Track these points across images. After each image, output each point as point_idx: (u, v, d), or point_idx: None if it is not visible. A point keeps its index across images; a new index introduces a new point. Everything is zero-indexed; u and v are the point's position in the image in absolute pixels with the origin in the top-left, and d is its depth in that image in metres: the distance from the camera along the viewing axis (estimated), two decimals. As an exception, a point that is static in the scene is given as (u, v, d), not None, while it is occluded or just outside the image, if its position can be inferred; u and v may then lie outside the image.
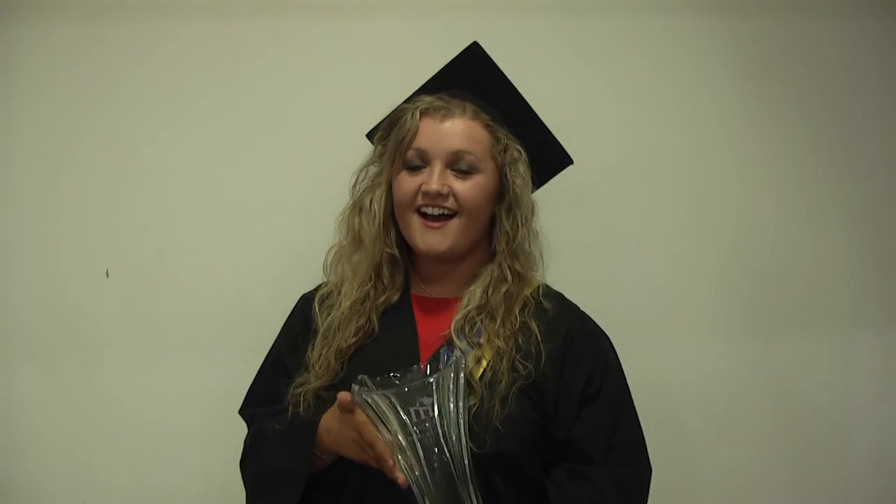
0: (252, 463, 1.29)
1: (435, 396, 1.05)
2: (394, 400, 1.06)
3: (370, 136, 1.39)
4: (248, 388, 1.38)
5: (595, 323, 1.32)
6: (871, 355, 1.70)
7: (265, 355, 1.38)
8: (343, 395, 1.12)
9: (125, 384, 1.60)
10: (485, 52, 1.33)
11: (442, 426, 1.04)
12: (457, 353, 1.18)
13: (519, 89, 1.33)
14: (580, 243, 1.61)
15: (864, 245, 1.70)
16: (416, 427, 1.05)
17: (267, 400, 1.32)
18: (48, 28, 1.58)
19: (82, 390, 1.59)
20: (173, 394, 1.60)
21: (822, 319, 1.69)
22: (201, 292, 1.61)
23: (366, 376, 1.11)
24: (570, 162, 1.38)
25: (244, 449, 1.32)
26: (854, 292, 1.69)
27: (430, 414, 1.04)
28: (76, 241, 1.60)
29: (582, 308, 1.33)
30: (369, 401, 1.06)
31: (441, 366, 1.15)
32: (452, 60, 1.34)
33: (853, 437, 1.69)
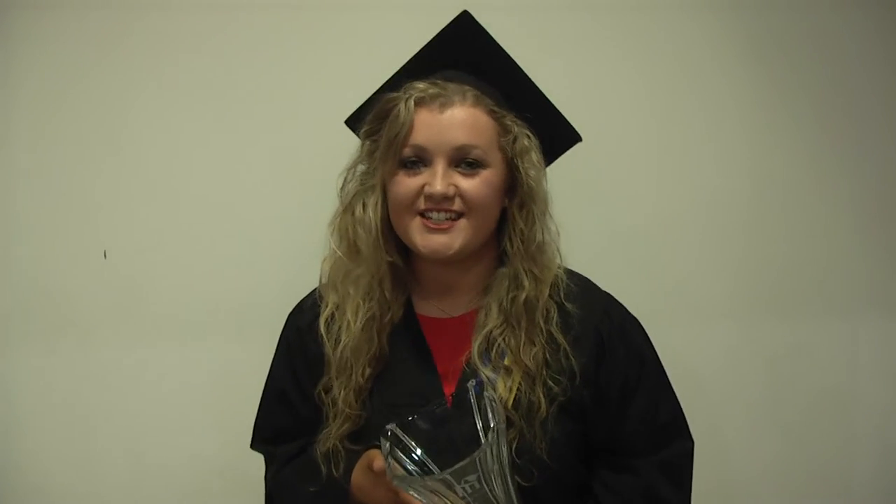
0: None
1: (480, 472, 0.94)
2: (440, 487, 0.95)
3: (351, 124, 1.22)
4: (254, 421, 1.30)
5: (621, 309, 1.21)
6: (875, 341, 1.69)
7: (265, 381, 1.28)
8: (378, 466, 1.03)
9: (123, 366, 1.58)
10: (476, 22, 1.16)
11: (490, 489, 0.95)
12: (487, 394, 1.03)
13: (519, 64, 1.17)
14: (592, 230, 1.57)
15: (873, 232, 1.68)
16: (464, 499, 0.96)
17: (276, 436, 1.25)
18: (48, 14, 1.53)
19: (80, 372, 1.57)
20: (171, 376, 1.58)
21: (829, 305, 1.67)
22: (199, 274, 1.57)
23: (395, 426, 1.00)
24: (579, 139, 1.24)
25: (268, 492, 1.26)
26: (863, 279, 1.68)
27: (477, 486, 0.94)
28: (74, 222, 1.56)
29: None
30: (407, 485, 0.97)
31: (471, 398, 1.03)
32: (440, 33, 1.17)
33: (857, 422, 1.69)
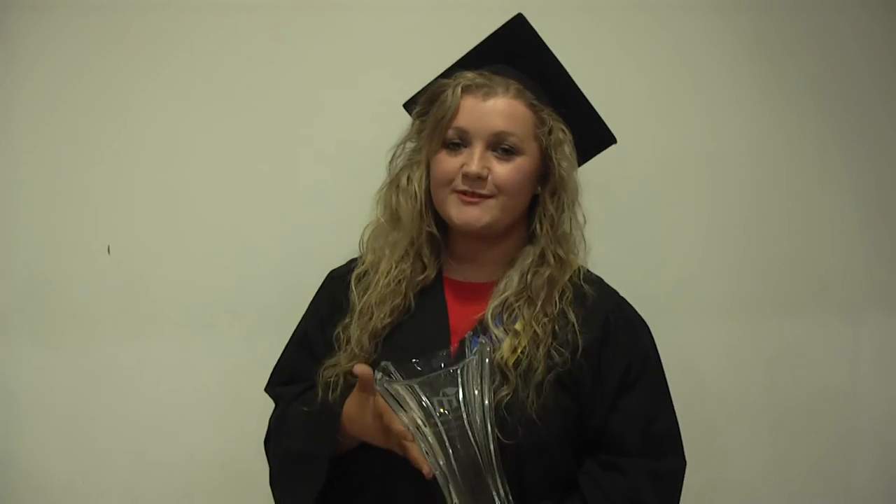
0: (276, 445, 1.28)
1: (460, 385, 1.00)
2: (417, 389, 1.02)
3: (408, 107, 1.35)
4: (258, 402, 1.35)
5: (634, 311, 1.28)
6: (875, 340, 1.70)
7: (292, 331, 1.36)
8: (361, 369, 1.09)
9: (126, 360, 1.59)
10: (530, 25, 1.27)
11: (467, 414, 1.00)
12: (482, 339, 1.12)
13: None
14: (594, 230, 1.55)
15: (875, 231, 1.69)
16: (440, 417, 1.01)
17: (292, 378, 1.31)
18: (49, 14, 1.55)
19: (82, 368, 1.58)
20: (174, 370, 1.59)
21: (830, 305, 1.68)
22: (202, 271, 1.60)
23: (389, 363, 1.06)
24: (614, 141, 1.33)
25: (269, 428, 1.31)
26: (864, 278, 1.68)
27: (455, 403, 1.00)
28: (77, 218, 1.58)
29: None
30: (390, 390, 1.03)
31: (466, 350, 1.10)
32: (495, 32, 1.28)
33: (858, 421, 1.69)
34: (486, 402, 1.02)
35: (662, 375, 1.26)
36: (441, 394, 1.01)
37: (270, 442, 1.30)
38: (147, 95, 1.58)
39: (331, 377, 1.22)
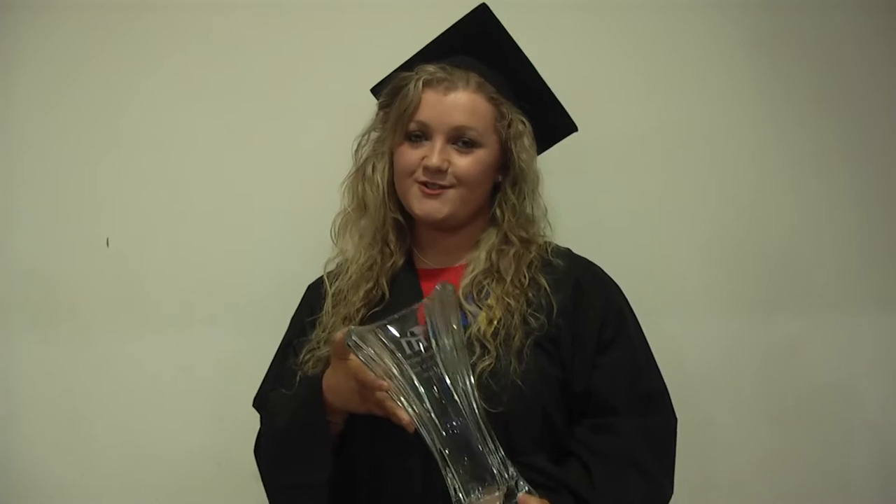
0: (266, 436, 1.27)
1: (429, 323, 0.98)
2: (381, 334, 0.99)
3: (376, 91, 1.37)
4: (260, 382, 1.36)
5: (604, 273, 1.30)
6: (873, 337, 1.68)
7: (271, 359, 1.36)
8: (337, 335, 1.09)
9: (124, 354, 1.59)
10: (493, 15, 1.29)
11: (442, 359, 0.98)
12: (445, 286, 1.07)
13: (526, 54, 1.29)
14: (588, 217, 1.60)
15: (873, 227, 1.68)
16: (411, 361, 0.98)
17: (276, 384, 1.30)
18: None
19: (81, 360, 1.59)
20: (172, 364, 1.59)
21: (828, 301, 1.66)
22: (200, 265, 1.60)
23: (358, 327, 1.04)
24: (575, 129, 1.36)
25: (258, 437, 1.30)
26: (863, 274, 1.67)
27: (424, 343, 0.98)
28: (75, 211, 1.59)
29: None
30: (358, 341, 0.99)
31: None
32: (457, 23, 1.30)
33: (856, 419, 1.67)
34: (455, 328, 1.00)
35: (641, 335, 1.27)
36: (408, 333, 0.99)
37: (260, 443, 1.29)
38: (148, 88, 1.59)
39: (308, 360, 1.24)
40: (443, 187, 1.24)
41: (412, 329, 1.01)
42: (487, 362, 1.14)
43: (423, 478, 1.12)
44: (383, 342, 1.01)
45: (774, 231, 1.66)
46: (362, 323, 1.22)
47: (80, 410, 1.59)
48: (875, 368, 1.68)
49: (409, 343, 1.00)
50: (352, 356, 1.06)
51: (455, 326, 1.02)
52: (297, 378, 1.23)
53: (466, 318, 1.18)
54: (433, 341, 1.00)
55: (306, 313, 1.33)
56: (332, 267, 1.34)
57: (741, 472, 1.65)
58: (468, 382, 1.01)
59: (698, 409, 1.55)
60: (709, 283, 1.66)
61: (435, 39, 1.31)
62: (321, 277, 1.34)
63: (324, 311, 1.29)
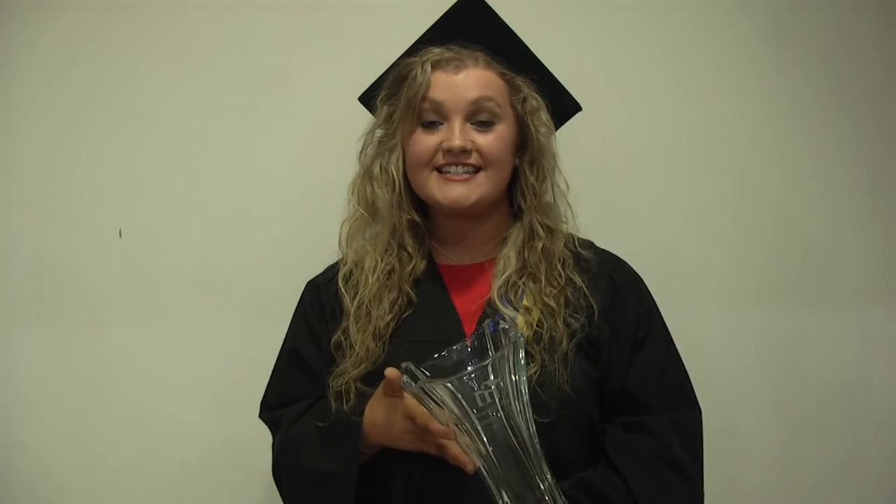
0: (291, 469, 1.18)
1: (495, 378, 0.96)
2: (452, 387, 0.96)
3: (365, 99, 1.29)
4: (263, 391, 1.30)
5: (631, 267, 1.27)
6: (885, 329, 1.67)
7: (277, 353, 1.30)
8: (391, 372, 1.02)
9: (135, 344, 1.58)
10: (483, 1, 1.25)
11: (504, 404, 0.96)
12: (505, 323, 1.08)
13: (535, 41, 1.26)
14: (606, 210, 1.57)
15: (889, 221, 1.67)
16: (479, 411, 0.96)
17: (288, 399, 1.23)
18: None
19: (91, 351, 1.57)
20: (182, 355, 1.58)
21: (841, 295, 1.66)
22: (213, 254, 1.58)
23: (410, 363, 1.01)
24: (579, 108, 1.32)
25: (275, 456, 1.22)
26: (877, 268, 1.67)
27: (491, 396, 0.96)
28: (89, 200, 1.57)
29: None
30: (426, 389, 0.97)
31: (486, 338, 1.05)
32: (448, 12, 1.26)
33: (869, 413, 1.67)
34: (523, 389, 0.99)
35: (665, 327, 1.25)
36: (479, 387, 0.96)
37: (282, 468, 1.20)
38: (161, 81, 1.57)
39: (340, 387, 1.14)
40: (471, 171, 1.17)
41: (483, 383, 0.97)
42: (533, 369, 1.09)
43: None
44: (452, 395, 0.97)
45: (791, 225, 1.65)
46: (394, 334, 1.17)
47: (90, 401, 1.58)
48: (889, 360, 1.67)
49: (480, 396, 0.97)
50: (407, 395, 1.02)
51: (523, 387, 0.99)
52: (331, 408, 1.14)
53: (505, 321, 1.12)
54: (499, 396, 0.97)
55: (315, 319, 1.24)
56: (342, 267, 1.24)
57: (754, 466, 1.64)
58: (532, 429, 0.99)
59: (712, 402, 1.47)
60: (723, 276, 1.65)
61: (427, 30, 1.26)
62: (332, 275, 1.24)
63: (346, 327, 1.18)
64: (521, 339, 1.00)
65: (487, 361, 0.96)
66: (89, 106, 1.57)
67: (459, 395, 0.96)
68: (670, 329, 1.26)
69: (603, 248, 1.29)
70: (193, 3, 1.57)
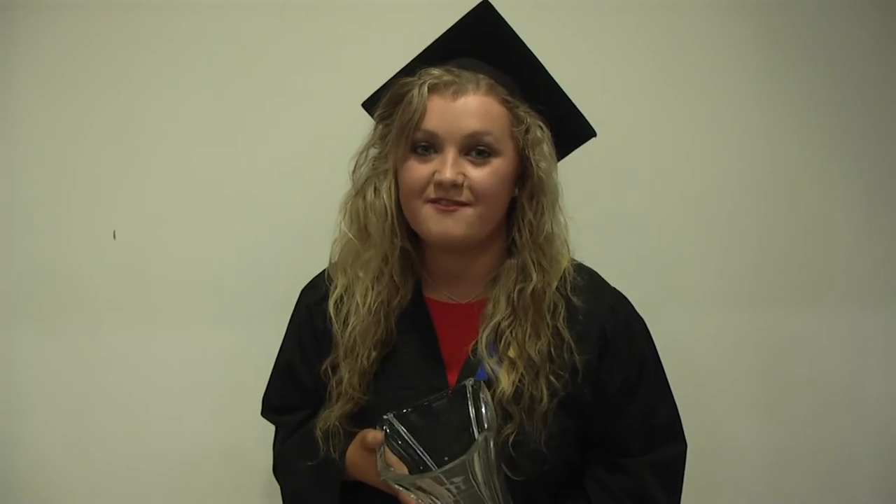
0: (286, 488, 1.27)
1: (469, 475, 0.95)
2: (424, 483, 0.98)
3: (368, 106, 1.22)
4: (261, 392, 1.33)
5: (628, 307, 1.21)
6: (877, 332, 1.67)
7: (277, 352, 1.31)
8: (373, 441, 1.05)
9: (131, 346, 1.57)
10: (497, 13, 1.16)
11: (478, 487, 0.97)
12: (484, 395, 1.05)
13: (535, 53, 1.16)
14: (599, 214, 1.56)
15: (881, 223, 1.66)
16: (453, 498, 0.98)
17: (284, 408, 1.29)
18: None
19: (88, 352, 1.57)
20: (178, 356, 1.58)
21: (834, 296, 1.65)
22: (208, 256, 1.57)
23: (391, 416, 1.03)
24: (594, 134, 1.23)
25: (275, 456, 1.30)
26: (869, 270, 1.66)
27: (462, 488, 0.96)
28: (87, 201, 1.56)
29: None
30: (400, 483, 1.00)
31: (467, 392, 1.05)
32: (459, 21, 1.16)
33: (862, 415, 1.67)
34: (495, 482, 0.99)
35: (660, 369, 1.21)
36: (449, 482, 0.96)
37: (279, 473, 1.29)
38: (157, 82, 1.55)
39: (328, 427, 1.15)
40: (458, 204, 1.09)
41: (454, 479, 0.97)
42: (510, 430, 1.08)
43: None
44: (428, 484, 0.99)
45: (783, 228, 1.64)
46: (379, 373, 1.16)
47: (86, 402, 1.57)
48: (881, 363, 1.68)
49: (449, 488, 0.97)
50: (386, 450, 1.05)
51: (495, 478, 1.00)
52: (318, 446, 1.16)
53: (486, 374, 1.11)
54: (472, 485, 0.98)
55: (308, 338, 1.24)
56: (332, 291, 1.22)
57: (745, 468, 1.65)
58: (500, 488, 1.01)
59: (703, 403, 1.58)
60: (714, 278, 1.64)
61: (435, 41, 1.17)
62: (324, 294, 1.21)
63: (334, 359, 1.17)
64: (494, 429, 0.99)
65: (459, 460, 0.94)
66: (87, 107, 1.54)
67: (432, 485, 0.97)
68: (661, 335, 1.23)
69: (603, 281, 1.23)
70: (193, 5, 1.53)
